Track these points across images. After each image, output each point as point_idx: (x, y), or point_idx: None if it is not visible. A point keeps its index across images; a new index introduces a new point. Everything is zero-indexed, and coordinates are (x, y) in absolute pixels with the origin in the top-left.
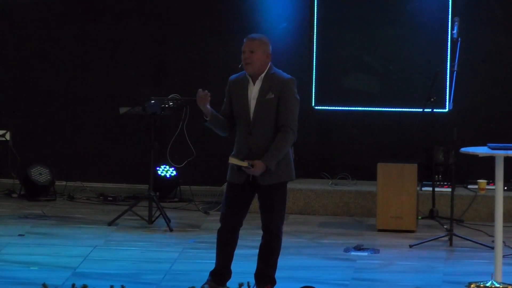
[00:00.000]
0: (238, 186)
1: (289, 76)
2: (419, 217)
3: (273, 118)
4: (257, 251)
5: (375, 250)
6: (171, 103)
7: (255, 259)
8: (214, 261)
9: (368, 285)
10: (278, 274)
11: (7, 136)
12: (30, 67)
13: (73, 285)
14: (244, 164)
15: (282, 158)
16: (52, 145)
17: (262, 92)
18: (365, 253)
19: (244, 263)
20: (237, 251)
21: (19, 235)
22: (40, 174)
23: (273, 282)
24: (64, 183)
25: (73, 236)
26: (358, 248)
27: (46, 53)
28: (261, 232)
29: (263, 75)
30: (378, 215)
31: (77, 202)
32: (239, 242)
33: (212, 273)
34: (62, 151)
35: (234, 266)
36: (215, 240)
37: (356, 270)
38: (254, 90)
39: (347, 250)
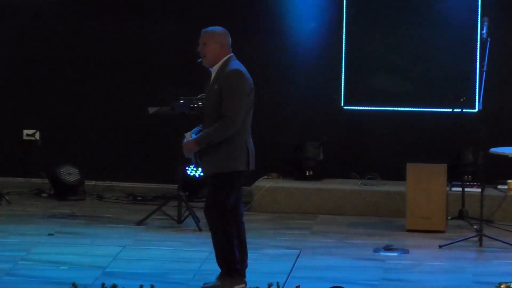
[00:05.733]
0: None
1: (234, 68)
2: (449, 218)
3: (217, 109)
4: (285, 251)
5: (404, 251)
6: (199, 103)
7: (283, 259)
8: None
9: (397, 285)
10: (307, 273)
11: (37, 136)
12: (59, 67)
13: (103, 284)
14: (188, 136)
15: (220, 149)
16: (81, 145)
17: (212, 84)
18: (395, 254)
19: (273, 263)
20: (265, 251)
21: (49, 234)
22: (69, 173)
23: (229, 272)
24: (93, 182)
25: (103, 235)
26: (388, 248)
27: (75, 53)
28: (288, 232)
29: (217, 67)
30: (407, 216)
31: (106, 202)
32: (267, 242)
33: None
34: (91, 151)
35: (263, 266)
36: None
37: (386, 271)
38: (210, 81)
39: (376, 250)
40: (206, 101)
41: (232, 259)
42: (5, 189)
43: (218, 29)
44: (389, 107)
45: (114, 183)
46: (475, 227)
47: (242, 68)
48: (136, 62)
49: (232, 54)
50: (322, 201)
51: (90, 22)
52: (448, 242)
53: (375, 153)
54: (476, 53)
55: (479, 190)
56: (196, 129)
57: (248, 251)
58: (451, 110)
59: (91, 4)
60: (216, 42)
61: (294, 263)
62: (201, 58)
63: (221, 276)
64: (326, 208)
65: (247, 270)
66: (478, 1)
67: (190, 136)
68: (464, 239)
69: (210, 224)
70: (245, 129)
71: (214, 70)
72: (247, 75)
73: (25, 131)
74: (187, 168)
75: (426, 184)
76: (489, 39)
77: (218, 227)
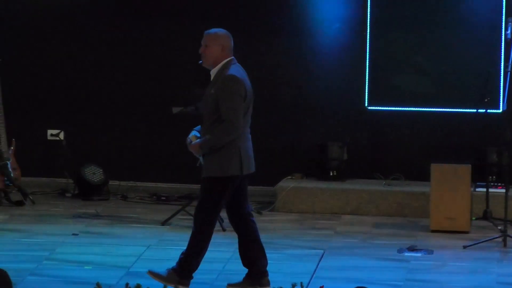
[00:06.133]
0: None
1: (230, 73)
2: (473, 218)
3: (213, 113)
4: (308, 251)
5: (428, 251)
6: None
7: (307, 259)
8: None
9: (421, 286)
10: (331, 274)
11: (61, 136)
12: (83, 67)
13: (127, 284)
14: (194, 139)
15: (213, 154)
16: (105, 144)
17: (209, 87)
18: (419, 254)
19: (297, 263)
20: (289, 251)
21: (73, 234)
22: (93, 173)
23: (179, 271)
24: (117, 182)
25: (127, 235)
26: (412, 248)
27: (99, 53)
28: (312, 232)
29: (216, 70)
30: (431, 216)
31: (130, 202)
32: (290, 242)
33: None
34: (115, 151)
35: (287, 266)
36: (268, 240)
37: (410, 271)
38: (209, 85)
39: (400, 250)
40: (203, 104)
41: (191, 265)
42: (29, 189)
43: (221, 31)
44: (413, 107)
45: (138, 183)
46: (499, 227)
47: (239, 73)
48: (160, 62)
49: (232, 57)
50: (346, 202)
51: (114, 22)
52: (472, 242)
53: (399, 154)
54: (501, 53)
55: (504, 190)
56: (198, 127)
57: (272, 251)
58: (475, 110)
59: (115, 5)
60: (217, 44)
61: (318, 263)
62: (201, 60)
63: (172, 270)
64: (350, 209)
65: (269, 270)
66: (502, 1)
67: (194, 138)
68: (488, 240)
69: (194, 225)
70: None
71: (212, 73)
72: (244, 80)
73: (50, 131)
74: None
75: (450, 184)
76: None
77: (199, 230)
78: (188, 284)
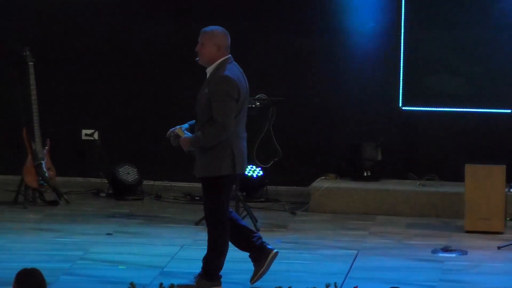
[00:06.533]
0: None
1: (224, 73)
2: (507, 219)
3: (205, 112)
4: (342, 251)
5: (463, 252)
6: (257, 103)
7: (341, 260)
8: (292, 262)
9: (455, 286)
10: (364, 274)
11: (95, 136)
12: (117, 66)
13: (161, 284)
14: (180, 133)
15: (205, 153)
16: (139, 144)
17: (203, 86)
18: (453, 255)
19: (330, 263)
20: (323, 252)
21: (107, 234)
22: (127, 173)
23: (207, 275)
24: (151, 182)
25: (161, 235)
26: (446, 249)
27: (133, 53)
28: (346, 233)
29: (211, 69)
30: (466, 217)
31: (164, 202)
32: (324, 242)
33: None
34: (149, 151)
35: (321, 267)
36: (302, 240)
37: (444, 272)
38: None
39: (434, 251)
40: (198, 103)
41: (216, 267)
42: (64, 189)
43: (217, 29)
44: (447, 107)
45: (172, 183)
46: None
47: (233, 73)
48: (194, 62)
49: (229, 56)
50: (380, 202)
51: (146, 22)
52: (507, 243)
53: (433, 154)
54: None
55: None
56: (192, 122)
57: (306, 251)
58: (510, 111)
59: (146, 5)
60: (213, 43)
61: (352, 263)
62: (198, 57)
63: (199, 276)
64: (384, 209)
65: (303, 270)
66: None
67: (181, 131)
68: None
69: (207, 228)
70: (233, 132)
71: (208, 71)
72: (238, 80)
73: (84, 131)
74: None
75: (484, 185)
76: None
77: (214, 232)
78: (220, 284)
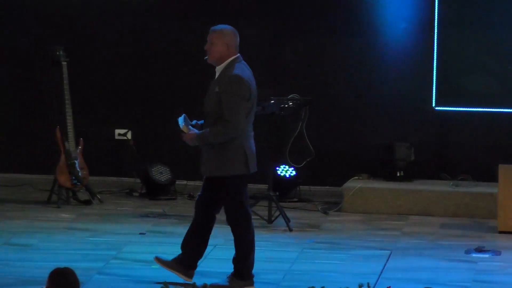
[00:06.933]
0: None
1: (235, 72)
2: None
3: (216, 111)
4: (375, 251)
5: (496, 252)
6: (290, 103)
7: (374, 260)
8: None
9: (488, 287)
10: (397, 274)
11: (128, 135)
12: (150, 66)
13: (194, 284)
14: (186, 130)
15: (216, 153)
16: (172, 144)
17: (213, 85)
18: (486, 255)
19: (363, 263)
20: (355, 252)
21: (140, 233)
22: (160, 173)
23: (239, 275)
24: (184, 182)
25: None
26: (479, 250)
27: (166, 52)
28: (378, 233)
29: (220, 68)
30: (499, 217)
31: None
32: (357, 242)
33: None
34: (182, 150)
35: (354, 267)
36: (335, 240)
37: (477, 272)
38: (213, 82)
39: (468, 251)
40: (207, 101)
41: (247, 265)
42: (97, 188)
43: (227, 28)
44: (481, 108)
45: None
46: None
47: (243, 72)
48: None
49: (238, 55)
50: (413, 202)
51: (181, 22)
52: None
53: (466, 154)
54: None
55: None
56: (194, 121)
57: (339, 251)
58: None
59: (183, 5)
60: (222, 42)
61: (385, 264)
62: (207, 56)
63: (232, 276)
64: (417, 209)
65: (336, 270)
66: None
67: (186, 128)
68: None
69: (231, 230)
70: (244, 132)
71: (218, 70)
72: (249, 79)
73: (117, 131)
74: (277, 168)
75: None
76: None
77: (238, 232)
78: (252, 284)
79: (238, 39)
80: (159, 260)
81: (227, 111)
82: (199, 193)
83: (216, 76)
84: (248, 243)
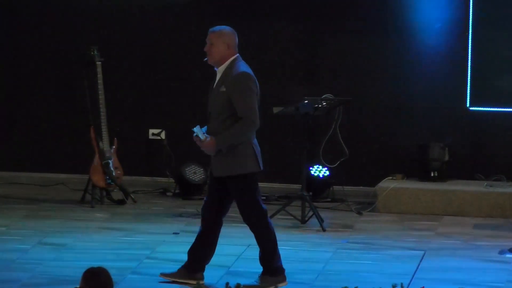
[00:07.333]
0: (212, 175)
1: (241, 70)
2: None
3: (225, 111)
4: (409, 252)
5: None
6: (324, 103)
7: (408, 260)
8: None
9: None
10: (431, 275)
11: (162, 135)
12: (184, 66)
13: (227, 284)
14: (203, 138)
15: (229, 152)
16: None
17: (217, 85)
18: None
19: (397, 264)
20: (389, 252)
21: (174, 233)
22: (194, 173)
23: (270, 272)
24: None
25: (227, 234)
26: None
27: (200, 52)
28: (412, 233)
29: (223, 68)
30: None
31: None
32: (391, 243)
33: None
34: None
35: (387, 267)
36: (368, 241)
37: (511, 273)
38: (215, 82)
39: (502, 252)
40: (211, 102)
41: (275, 260)
42: (131, 188)
43: (225, 29)
44: None
45: None
46: None
47: (248, 69)
48: (261, 62)
49: (238, 55)
50: (447, 203)
51: (216, 22)
52: None
53: (500, 154)
54: None
55: None
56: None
57: (372, 252)
58: None
59: (217, 5)
60: (223, 42)
61: (419, 264)
62: (207, 57)
63: (263, 276)
64: (451, 210)
65: (369, 270)
66: None
67: (201, 134)
68: None
69: (250, 228)
70: None
71: (219, 71)
72: (254, 76)
73: (151, 131)
74: (311, 168)
75: None
76: None
77: (259, 231)
78: (285, 278)
79: (237, 39)
80: (165, 275)
81: (243, 108)
82: (205, 198)
83: (218, 77)
84: (270, 239)
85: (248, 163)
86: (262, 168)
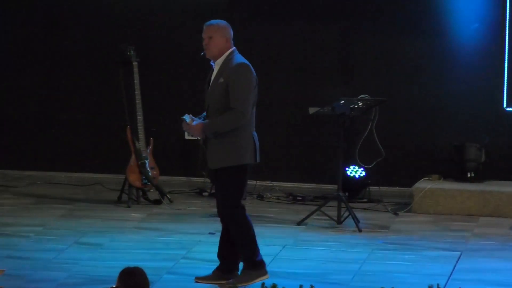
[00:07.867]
0: (211, 172)
1: (240, 61)
2: None
3: (222, 102)
4: (445, 253)
5: None
6: (360, 104)
7: (444, 261)
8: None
9: None
10: (467, 276)
11: None
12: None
13: (263, 284)
14: (190, 121)
15: (228, 142)
16: None
17: (216, 77)
18: None
19: (433, 264)
20: (425, 253)
21: (210, 233)
22: None
23: (249, 266)
24: (253, 182)
25: (263, 235)
26: None
27: None
28: (448, 234)
29: (221, 60)
30: None
31: (266, 202)
32: (427, 243)
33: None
34: None
35: (423, 268)
36: (404, 241)
37: None
38: (213, 75)
39: None
40: (209, 94)
41: (253, 252)
42: (167, 188)
43: (222, 22)
44: None
45: (274, 183)
46: None
47: (247, 61)
48: (297, 62)
49: (235, 48)
50: (483, 203)
51: (250, 23)
52: None
53: None
54: None
55: None
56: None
57: (408, 252)
58: None
59: (254, 6)
60: (222, 36)
61: (455, 265)
62: (204, 51)
63: (244, 270)
64: (487, 210)
65: (405, 271)
66: None
67: (190, 118)
68: None
69: (227, 221)
70: (250, 122)
71: (217, 63)
72: (252, 68)
73: None
74: (347, 168)
75: None
76: None
77: (234, 223)
78: (266, 272)
79: (232, 32)
80: (200, 278)
81: (236, 99)
82: (217, 201)
83: (216, 70)
84: (247, 229)
85: (247, 154)
86: (259, 160)
